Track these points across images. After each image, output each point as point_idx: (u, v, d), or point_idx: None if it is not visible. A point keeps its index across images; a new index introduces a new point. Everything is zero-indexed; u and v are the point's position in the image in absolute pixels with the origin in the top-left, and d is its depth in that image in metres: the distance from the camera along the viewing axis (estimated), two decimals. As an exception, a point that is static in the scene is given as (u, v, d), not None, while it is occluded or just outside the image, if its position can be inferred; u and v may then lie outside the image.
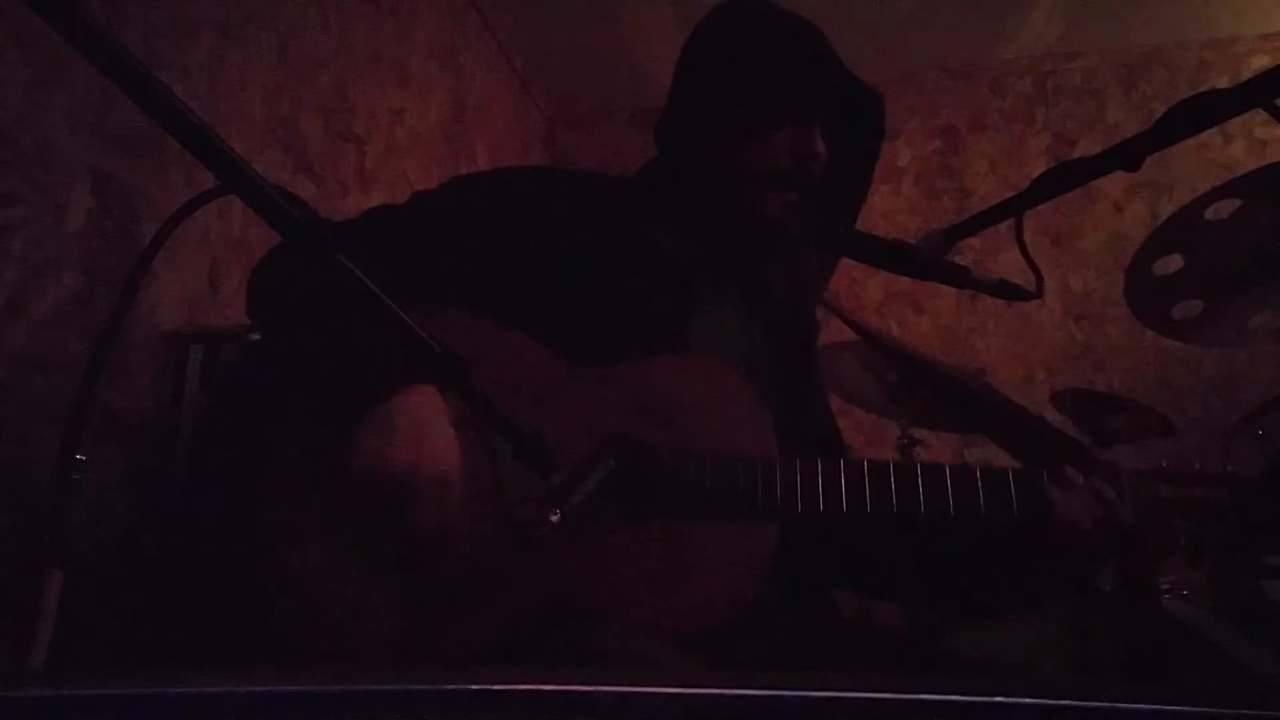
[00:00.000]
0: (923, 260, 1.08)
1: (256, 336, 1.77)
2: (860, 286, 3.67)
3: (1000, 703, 0.42)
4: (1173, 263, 1.80)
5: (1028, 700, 0.43)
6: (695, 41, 1.32)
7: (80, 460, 0.77)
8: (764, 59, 1.23)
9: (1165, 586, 2.12)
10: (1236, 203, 1.66)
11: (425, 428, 0.99)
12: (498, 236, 1.21)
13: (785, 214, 1.23)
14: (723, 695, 0.44)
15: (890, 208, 3.75)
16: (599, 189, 1.32)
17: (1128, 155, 0.92)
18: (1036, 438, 1.21)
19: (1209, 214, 1.69)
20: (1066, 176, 0.97)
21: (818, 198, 1.24)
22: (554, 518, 0.82)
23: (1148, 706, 0.42)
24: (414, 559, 1.04)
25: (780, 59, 1.23)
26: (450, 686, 0.43)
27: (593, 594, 1.01)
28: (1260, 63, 3.48)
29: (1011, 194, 0.99)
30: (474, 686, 0.43)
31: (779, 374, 1.30)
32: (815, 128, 1.21)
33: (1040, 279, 1.02)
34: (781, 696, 0.43)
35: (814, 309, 1.44)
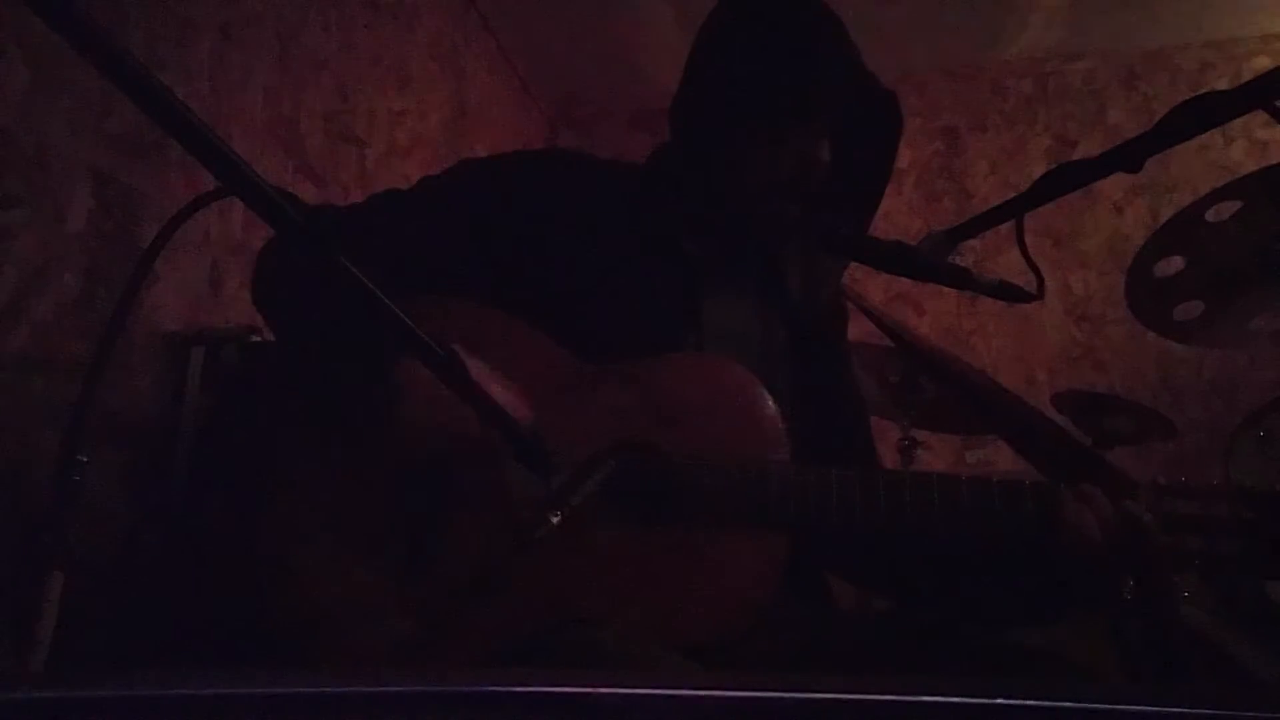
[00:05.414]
0: (923, 262, 1.08)
1: (257, 339, 1.77)
2: (861, 288, 3.65)
3: (1000, 704, 0.42)
4: (1174, 264, 1.81)
5: (1028, 701, 0.43)
6: (710, 31, 1.27)
7: (81, 461, 0.77)
8: (775, 64, 1.18)
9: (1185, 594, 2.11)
10: (1237, 204, 1.66)
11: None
12: (505, 223, 1.19)
13: (787, 220, 1.21)
14: (723, 696, 0.44)
15: (891, 209, 3.75)
16: (611, 177, 1.29)
17: (1129, 157, 0.92)
18: (1059, 450, 1.18)
19: (1210, 215, 1.69)
20: (1067, 178, 0.97)
21: (824, 203, 1.22)
22: (555, 519, 0.82)
23: (1148, 707, 0.42)
24: (418, 558, 1.03)
25: (791, 66, 1.18)
26: (450, 688, 0.43)
27: (601, 604, 0.99)
28: (1261, 64, 3.48)
29: (1012, 195, 0.99)
30: (474, 688, 0.43)
31: (799, 369, 1.28)
32: (823, 139, 1.18)
33: (1041, 280, 1.02)
34: (781, 698, 0.43)
35: (836, 301, 1.40)
